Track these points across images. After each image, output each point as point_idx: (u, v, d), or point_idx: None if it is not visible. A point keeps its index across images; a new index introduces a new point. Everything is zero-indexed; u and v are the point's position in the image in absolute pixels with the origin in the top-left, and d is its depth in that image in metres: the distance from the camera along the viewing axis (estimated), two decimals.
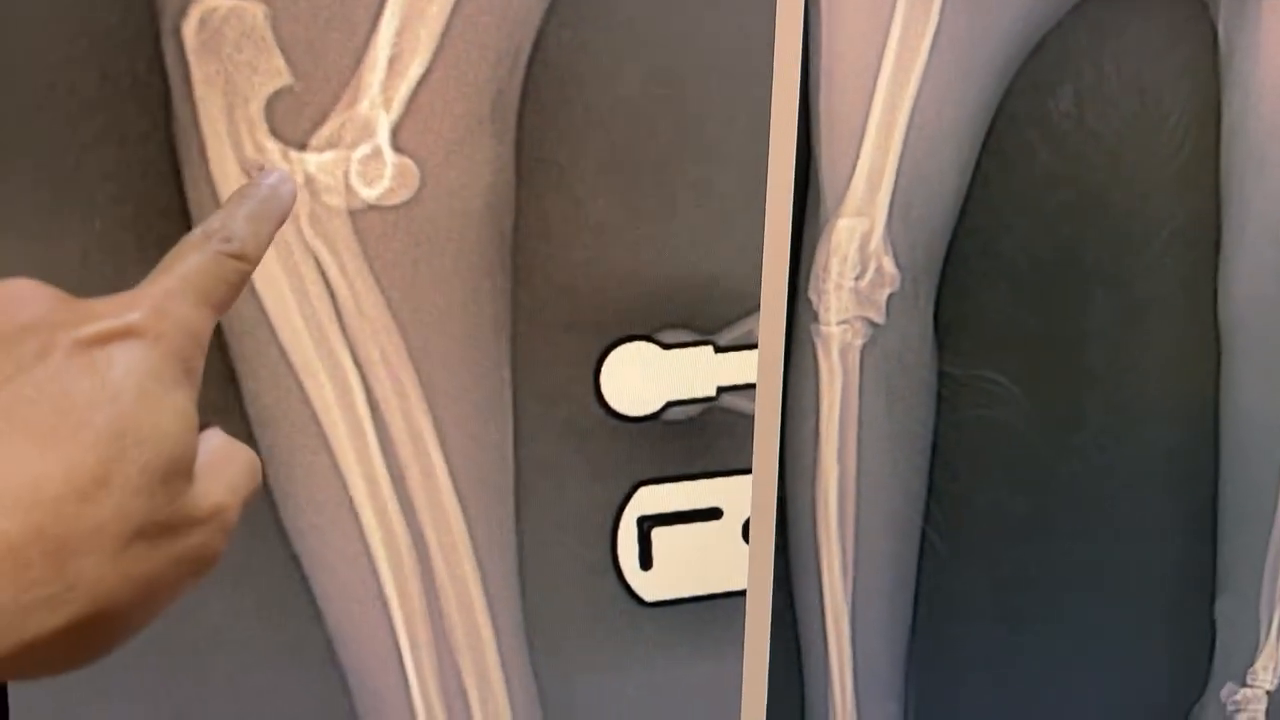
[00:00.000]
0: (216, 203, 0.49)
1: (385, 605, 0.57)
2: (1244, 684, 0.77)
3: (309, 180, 0.51)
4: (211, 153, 0.49)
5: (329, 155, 0.51)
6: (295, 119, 0.50)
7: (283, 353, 0.52)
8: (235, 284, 0.30)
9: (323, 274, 0.52)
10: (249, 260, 0.31)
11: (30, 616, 0.23)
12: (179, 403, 0.27)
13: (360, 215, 0.52)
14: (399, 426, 0.55)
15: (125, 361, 0.26)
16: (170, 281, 0.29)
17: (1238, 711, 0.78)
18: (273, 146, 0.50)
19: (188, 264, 0.29)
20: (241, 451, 0.29)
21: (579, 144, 0.54)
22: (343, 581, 0.56)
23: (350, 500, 0.55)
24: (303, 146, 0.51)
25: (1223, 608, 0.75)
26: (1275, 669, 0.77)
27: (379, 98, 0.51)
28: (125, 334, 0.27)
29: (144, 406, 0.26)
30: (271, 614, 0.54)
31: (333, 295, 0.52)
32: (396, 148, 0.52)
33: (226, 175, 0.50)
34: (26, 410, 0.25)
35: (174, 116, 0.48)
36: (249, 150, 0.50)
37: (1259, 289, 0.71)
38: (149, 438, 0.26)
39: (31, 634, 0.24)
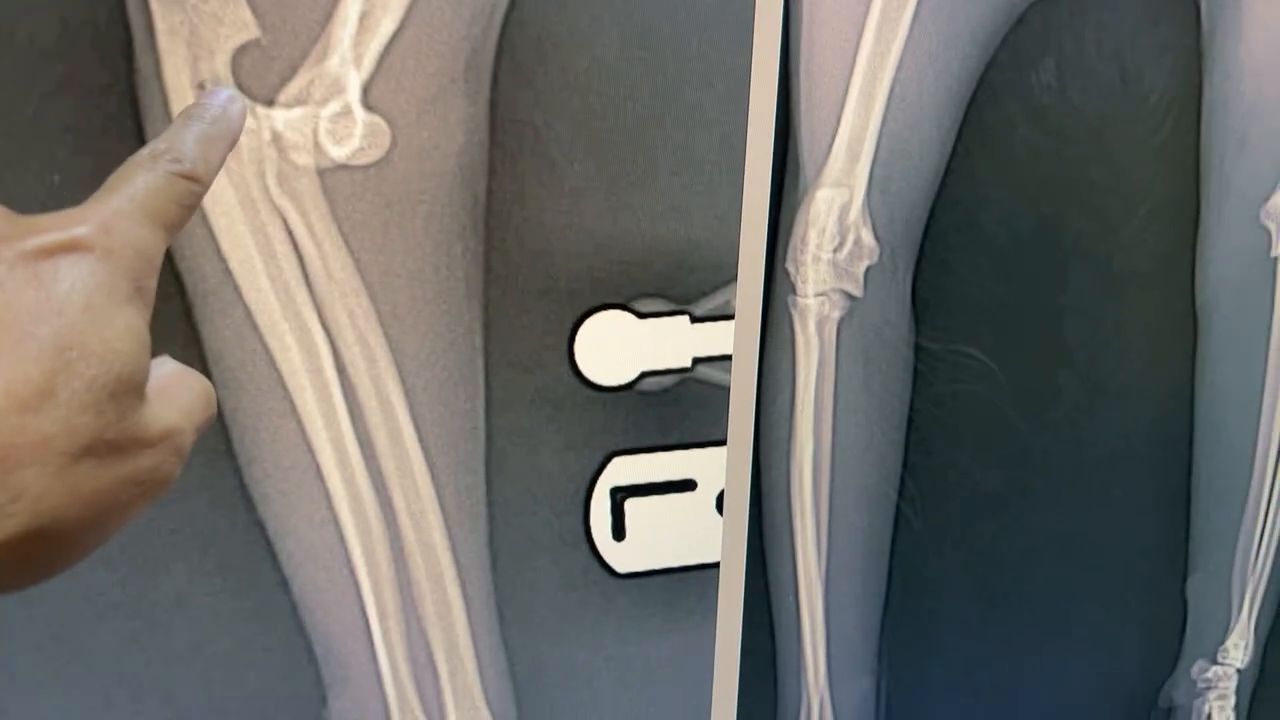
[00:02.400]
0: None
1: (352, 572, 0.56)
2: (1215, 661, 0.78)
3: (276, 137, 0.50)
4: (174, 106, 0.48)
5: (297, 112, 0.50)
6: (262, 74, 0.49)
7: (248, 314, 0.51)
8: (187, 205, 0.30)
9: (290, 234, 0.51)
10: (200, 181, 0.30)
11: None
12: (130, 320, 0.26)
13: (329, 174, 0.51)
14: (367, 391, 0.54)
15: (72, 276, 0.26)
16: (118, 200, 0.28)
17: (1208, 689, 0.78)
18: None
19: (136, 184, 0.29)
20: (196, 378, 0.29)
21: (555, 106, 0.53)
22: (309, 548, 0.55)
23: (317, 466, 0.54)
24: (270, 102, 0.49)
25: (1195, 585, 0.75)
26: (1246, 647, 0.78)
27: (349, 54, 0.50)
28: (71, 247, 0.26)
29: (91, 321, 0.25)
30: (236, 581, 0.54)
31: (300, 256, 0.51)
32: (367, 106, 0.51)
33: None
34: None
35: (136, 68, 0.47)
36: None
37: (1236, 268, 0.71)
38: (96, 353, 0.25)
39: None
